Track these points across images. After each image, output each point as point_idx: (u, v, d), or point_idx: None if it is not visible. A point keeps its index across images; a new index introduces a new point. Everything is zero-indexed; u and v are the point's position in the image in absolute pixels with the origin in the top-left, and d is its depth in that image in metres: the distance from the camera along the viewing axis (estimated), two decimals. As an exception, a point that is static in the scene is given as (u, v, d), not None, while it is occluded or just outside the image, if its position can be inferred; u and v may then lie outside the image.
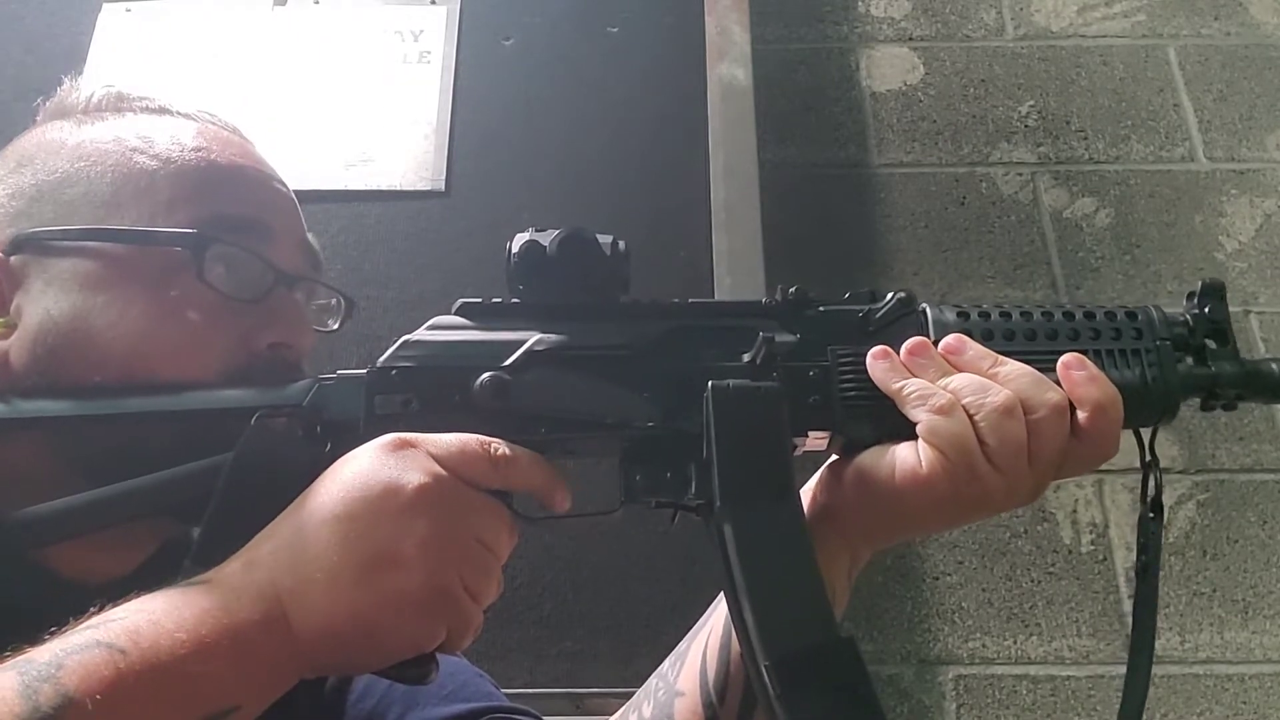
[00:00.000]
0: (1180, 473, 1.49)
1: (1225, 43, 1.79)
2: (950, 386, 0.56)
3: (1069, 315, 0.61)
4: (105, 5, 1.58)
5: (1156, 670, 1.36)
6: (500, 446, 0.54)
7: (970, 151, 1.72)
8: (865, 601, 1.42)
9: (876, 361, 0.58)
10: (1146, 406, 0.59)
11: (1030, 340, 0.60)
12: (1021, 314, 0.61)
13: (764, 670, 0.52)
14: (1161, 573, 1.43)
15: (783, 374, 0.58)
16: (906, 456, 0.56)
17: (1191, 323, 0.61)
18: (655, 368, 0.59)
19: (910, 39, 1.82)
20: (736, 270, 1.32)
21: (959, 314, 0.61)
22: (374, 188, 1.44)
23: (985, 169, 1.71)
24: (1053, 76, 1.78)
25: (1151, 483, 0.62)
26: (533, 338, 0.59)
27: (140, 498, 0.55)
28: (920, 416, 0.55)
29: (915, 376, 0.57)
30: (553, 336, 0.59)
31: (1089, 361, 0.57)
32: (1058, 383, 0.56)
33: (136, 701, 0.43)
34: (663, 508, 0.58)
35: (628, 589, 1.18)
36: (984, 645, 1.41)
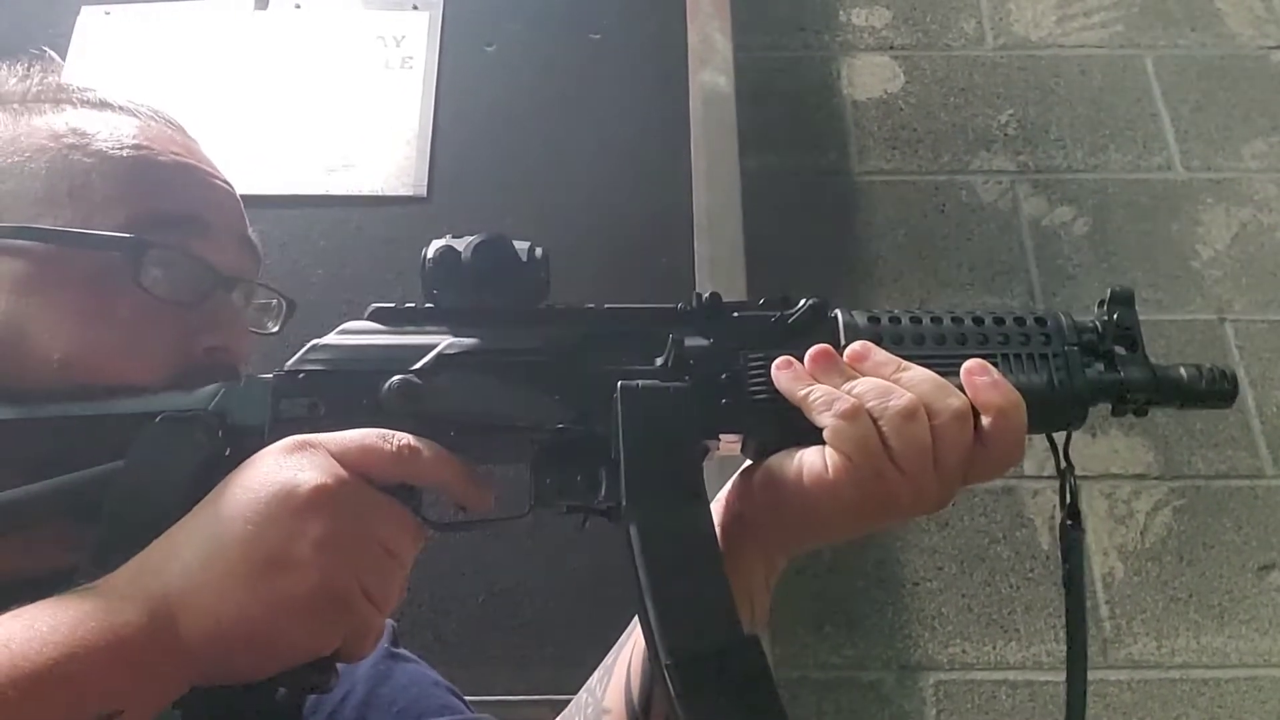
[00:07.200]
0: (1156, 479, 1.51)
1: (1202, 53, 1.81)
2: (854, 391, 0.56)
3: (979, 320, 0.61)
4: (84, 8, 1.56)
5: (1134, 675, 1.39)
6: (403, 438, 0.53)
7: (950, 160, 1.74)
8: (845, 608, 1.42)
9: (781, 371, 0.58)
10: (1054, 411, 0.60)
11: (940, 345, 0.60)
12: (932, 319, 0.61)
13: (665, 670, 0.52)
14: (1138, 579, 1.46)
15: (694, 377, 0.58)
16: (813, 460, 0.56)
17: (1101, 329, 0.62)
18: (567, 372, 0.59)
19: (891, 48, 1.83)
20: (718, 277, 1.32)
21: (870, 319, 0.61)
22: (355, 193, 1.43)
23: (965, 177, 1.72)
24: (1032, 86, 1.79)
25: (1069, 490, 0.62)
26: (444, 342, 0.58)
27: (36, 503, 0.53)
28: (825, 421, 0.55)
29: (820, 383, 0.57)
30: (464, 340, 0.59)
31: (991, 367, 0.57)
32: (962, 388, 0.57)
33: (4, 704, 0.42)
34: (574, 511, 0.58)
35: (609, 594, 1.18)
36: (964, 651, 1.42)
